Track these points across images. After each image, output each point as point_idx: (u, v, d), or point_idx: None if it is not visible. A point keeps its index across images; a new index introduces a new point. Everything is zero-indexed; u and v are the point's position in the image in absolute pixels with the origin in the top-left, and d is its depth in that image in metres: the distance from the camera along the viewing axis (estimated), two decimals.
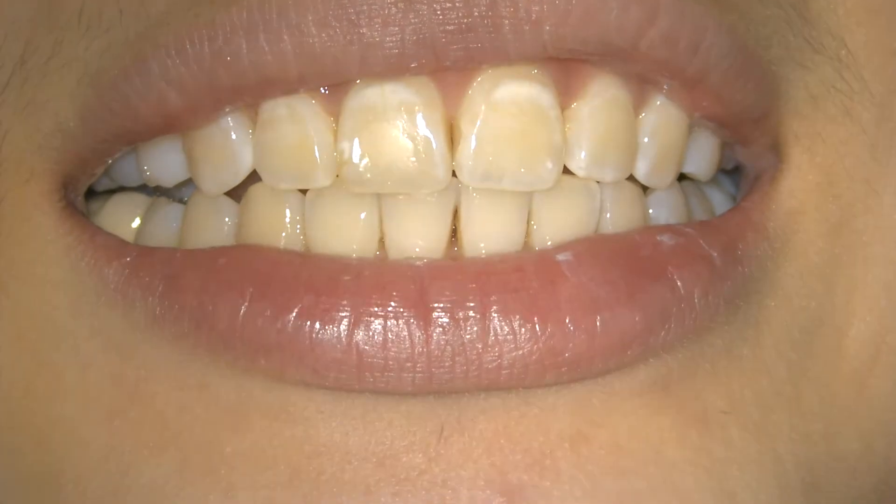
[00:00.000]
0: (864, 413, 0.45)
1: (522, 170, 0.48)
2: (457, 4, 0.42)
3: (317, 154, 0.48)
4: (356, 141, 0.48)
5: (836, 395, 0.44)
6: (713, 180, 0.56)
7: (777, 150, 0.45)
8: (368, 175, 0.48)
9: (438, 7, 0.42)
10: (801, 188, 0.45)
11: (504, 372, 0.41)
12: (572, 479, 0.41)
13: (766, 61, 0.44)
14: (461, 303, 0.41)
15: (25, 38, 0.44)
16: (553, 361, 0.41)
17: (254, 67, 0.43)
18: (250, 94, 0.45)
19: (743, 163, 0.49)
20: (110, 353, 0.43)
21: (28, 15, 0.44)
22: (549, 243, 0.46)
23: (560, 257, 0.44)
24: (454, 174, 0.48)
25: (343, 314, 0.41)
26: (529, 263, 0.43)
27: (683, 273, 0.43)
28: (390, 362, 0.41)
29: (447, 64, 0.43)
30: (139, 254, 0.44)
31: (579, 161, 0.49)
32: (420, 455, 0.41)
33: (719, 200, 0.57)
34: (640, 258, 0.43)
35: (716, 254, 0.44)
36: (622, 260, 0.43)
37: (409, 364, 0.41)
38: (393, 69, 0.44)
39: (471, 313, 0.41)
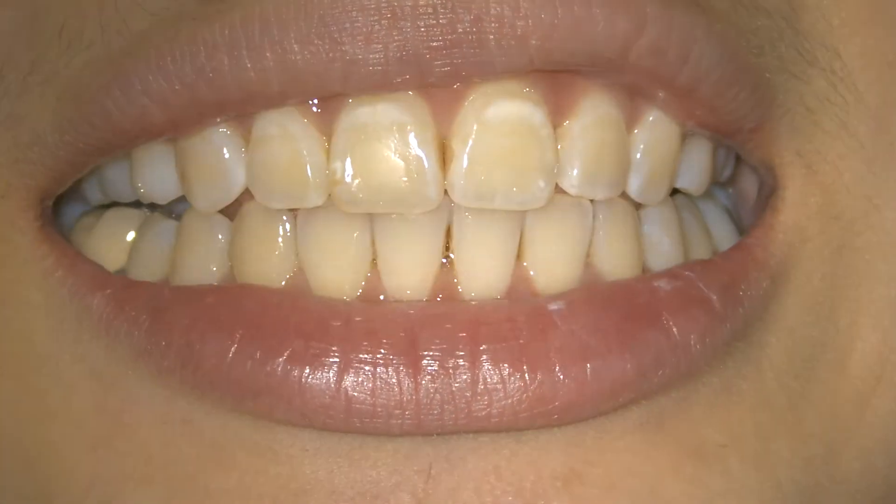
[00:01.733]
0: (865, 432, 0.44)
1: (514, 189, 0.48)
2: (440, 21, 0.41)
3: (309, 173, 0.48)
4: (348, 160, 0.48)
5: (838, 416, 0.44)
6: (707, 193, 0.56)
7: (776, 171, 0.45)
8: (361, 195, 0.48)
9: (423, 24, 0.41)
10: (803, 214, 0.44)
11: (494, 420, 0.41)
12: None
13: (760, 70, 0.44)
14: (451, 351, 0.41)
15: (4, 53, 0.44)
16: (543, 410, 0.41)
17: (236, 83, 0.43)
18: (233, 108, 0.45)
19: (741, 184, 0.48)
20: (93, 381, 0.43)
21: (8, 30, 0.44)
22: (542, 287, 0.46)
23: (552, 307, 0.43)
24: (446, 193, 0.48)
25: (333, 360, 0.41)
26: (521, 313, 0.43)
27: (679, 319, 0.42)
28: (378, 409, 0.41)
29: (432, 80, 0.43)
30: (124, 285, 0.44)
31: (571, 179, 0.49)
32: (408, 496, 0.41)
33: (713, 214, 0.57)
34: (636, 305, 0.43)
35: (715, 297, 0.43)
36: (616, 308, 0.43)
37: (397, 411, 0.41)
38: (377, 85, 0.43)
39: (460, 362, 0.41)
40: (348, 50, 0.42)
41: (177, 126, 0.45)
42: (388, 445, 0.41)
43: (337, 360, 0.41)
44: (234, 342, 0.42)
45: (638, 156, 0.50)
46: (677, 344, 0.42)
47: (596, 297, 0.43)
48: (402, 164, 0.48)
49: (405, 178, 0.48)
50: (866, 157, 0.45)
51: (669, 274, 0.44)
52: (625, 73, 0.44)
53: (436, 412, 0.41)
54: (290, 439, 0.42)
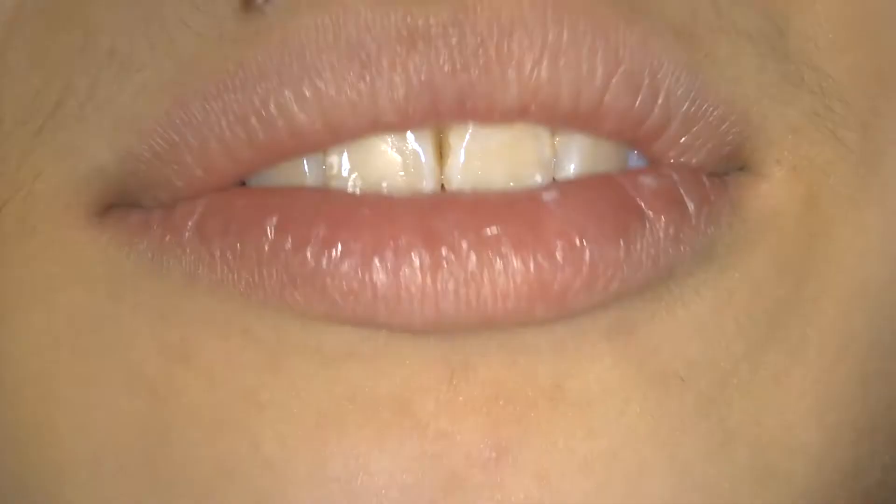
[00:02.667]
0: (827, 406, 0.45)
1: (511, 184, 0.48)
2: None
3: (305, 168, 0.48)
4: (345, 155, 0.48)
5: (795, 385, 0.44)
6: None
7: (754, 171, 0.45)
8: (357, 190, 0.48)
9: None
10: (784, 196, 0.45)
11: (499, 304, 0.42)
12: (550, 439, 0.43)
13: (736, 100, 0.44)
14: (463, 236, 0.43)
15: (63, 80, 0.44)
16: (543, 294, 0.42)
17: (281, 114, 0.43)
18: (282, 147, 0.45)
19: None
20: (153, 320, 0.44)
21: (65, 56, 0.44)
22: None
23: (547, 196, 0.45)
24: (443, 188, 0.48)
25: (359, 245, 0.43)
26: (520, 199, 0.44)
27: (661, 215, 0.44)
28: (402, 293, 0.42)
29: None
30: (163, 216, 0.45)
31: (568, 174, 0.49)
32: (432, 401, 0.43)
33: None
34: (624, 196, 0.44)
35: (692, 205, 0.44)
36: (608, 196, 0.44)
37: (418, 296, 0.42)
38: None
39: (471, 247, 0.43)
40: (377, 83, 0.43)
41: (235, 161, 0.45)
42: (417, 352, 0.43)
43: (363, 245, 0.42)
44: (268, 237, 0.43)
45: (635, 151, 0.50)
46: (658, 240, 0.43)
47: (588, 187, 0.45)
48: (398, 158, 0.48)
49: (402, 173, 0.48)
50: (855, 161, 0.46)
51: (654, 171, 0.45)
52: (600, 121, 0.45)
53: (451, 299, 0.42)
54: (334, 340, 0.43)
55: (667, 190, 0.44)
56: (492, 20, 0.42)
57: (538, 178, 0.48)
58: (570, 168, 0.48)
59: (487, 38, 0.42)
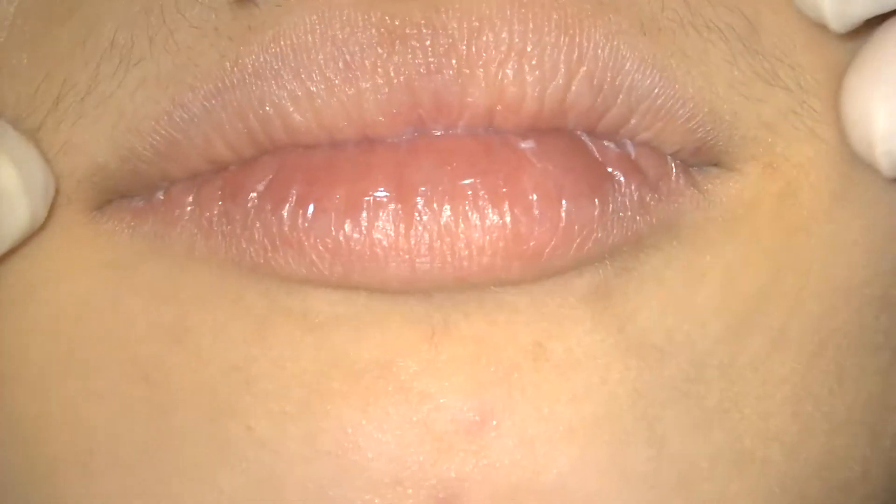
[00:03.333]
0: (804, 397, 0.45)
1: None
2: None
3: None
4: None
5: (773, 373, 0.44)
6: None
7: (730, 167, 0.45)
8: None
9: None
10: (758, 191, 0.45)
11: (475, 259, 0.42)
12: (534, 401, 0.43)
13: (705, 97, 0.43)
14: (435, 188, 0.42)
15: (64, 74, 0.44)
16: (518, 250, 0.42)
17: (277, 111, 0.43)
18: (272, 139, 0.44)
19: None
20: (148, 302, 0.44)
21: (66, 49, 0.44)
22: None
23: (524, 145, 0.44)
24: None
25: (333, 203, 0.42)
26: (496, 146, 0.43)
27: (628, 179, 0.43)
28: (377, 249, 0.42)
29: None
30: (165, 197, 0.44)
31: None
32: (413, 363, 0.43)
33: None
34: (592, 155, 0.44)
35: (653, 175, 0.44)
36: (581, 152, 0.44)
37: (392, 252, 0.42)
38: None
39: (447, 198, 0.42)
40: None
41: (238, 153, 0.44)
42: (397, 311, 0.43)
43: (337, 202, 0.42)
44: (252, 200, 0.43)
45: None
46: (626, 204, 0.43)
47: (563, 140, 0.44)
48: None
49: None
50: (836, 158, 0.45)
51: (615, 140, 0.44)
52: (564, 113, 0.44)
53: (425, 254, 0.42)
54: (318, 304, 0.43)
55: (629, 158, 0.44)
56: (462, 20, 0.42)
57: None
58: None
59: (458, 39, 0.42)
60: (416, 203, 0.42)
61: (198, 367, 0.43)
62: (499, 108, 0.43)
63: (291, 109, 0.43)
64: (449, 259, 0.42)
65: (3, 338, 0.46)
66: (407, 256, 0.42)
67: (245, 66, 0.43)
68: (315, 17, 0.42)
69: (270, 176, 0.44)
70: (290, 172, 0.44)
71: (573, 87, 0.43)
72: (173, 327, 0.44)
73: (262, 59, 0.43)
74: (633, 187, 0.44)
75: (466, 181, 0.43)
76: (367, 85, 0.43)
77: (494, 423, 0.42)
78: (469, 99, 0.43)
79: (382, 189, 0.43)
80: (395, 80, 0.43)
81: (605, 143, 0.44)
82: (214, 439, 0.43)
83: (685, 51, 0.43)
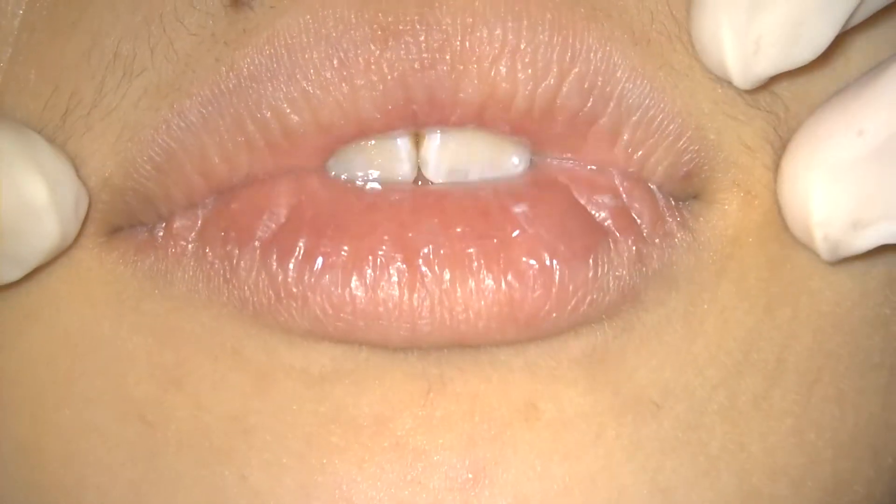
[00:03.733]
0: (806, 426, 0.45)
1: (488, 165, 0.48)
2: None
3: None
4: None
5: (775, 407, 0.44)
6: None
7: (709, 197, 0.45)
8: (333, 172, 0.47)
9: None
10: (739, 224, 0.44)
11: (472, 323, 0.43)
12: (526, 459, 0.43)
13: (692, 113, 0.43)
14: (438, 249, 0.43)
15: (71, 87, 0.44)
16: (513, 315, 0.43)
17: (274, 114, 0.43)
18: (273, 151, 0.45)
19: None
20: (149, 342, 0.44)
21: (72, 63, 0.44)
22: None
23: (517, 209, 0.44)
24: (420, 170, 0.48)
25: (340, 259, 0.43)
26: (494, 210, 0.44)
27: (624, 234, 0.44)
28: (380, 309, 0.42)
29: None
30: (167, 230, 0.45)
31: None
32: (410, 418, 0.43)
33: None
34: (587, 214, 0.44)
35: (646, 224, 0.44)
36: (574, 213, 0.44)
37: (395, 312, 0.43)
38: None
39: (447, 263, 0.43)
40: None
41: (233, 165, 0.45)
42: (395, 367, 0.43)
43: (344, 259, 0.43)
44: (257, 249, 0.43)
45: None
46: (623, 261, 0.44)
47: (557, 200, 0.44)
48: (373, 140, 0.47)
49: (379, 158, 0.47)
50: None
51: (608, 188, 0.45)
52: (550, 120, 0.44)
53: (426, 317, 0.43)
54: (320, 358, 0.44)
55: (624, 209, 0.44)
56: (456, 16, 0.42)
57: (515, 160, 0.47)
58: None
59: (452, 34, 0.42)
60: (420, 265, 0.43)
61: (196, 412, 0.43)
62: (491, 105, 0.43)
63: (288, 111, 0.43)
64: (448, 322, 0.43)
65: (2, 359, 0.46)
66: (409, 317, 0.43)
67: (241, 69, 0.43)
68: (309, 16, 0.42)
69: (275, 225, 0.44)
70: (297, 224, 0.44)
71: (564, 88, 0.43)
72: (173, 371, 0.43)
73: (257, 62, 0.42)
74: (629, 241, 0.44)
75: (464, 244, 0.43)
76: (362, 82, 0.42)
77: (487, 481, 0.42)
78: (461, 95, 0.43)
79: (386, 248, 0.43)
80: (390, 77, 0.42)
81: (600, 197, 0.44)
82: (207, 485, 0.43)
83: (672, 64, 0.43)
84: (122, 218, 0.45)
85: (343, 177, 0.47)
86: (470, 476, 0.42)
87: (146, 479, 0.44)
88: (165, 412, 0.44)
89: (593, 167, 0.45)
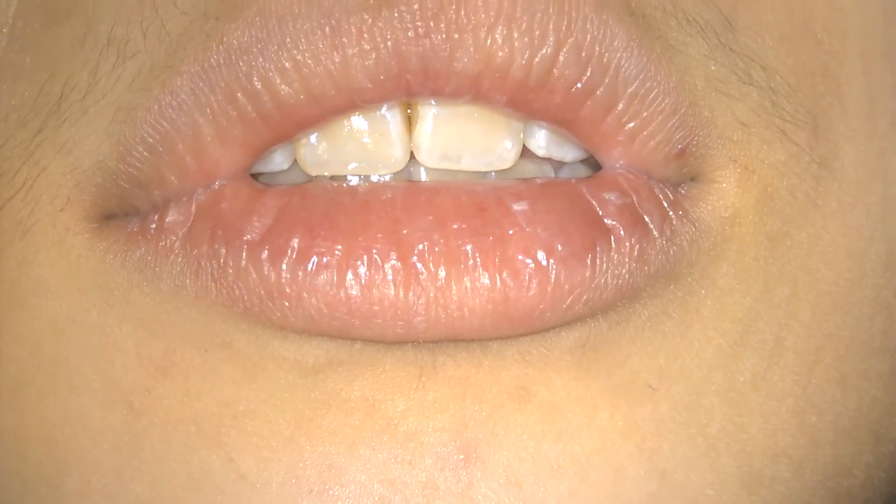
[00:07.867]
0: (807, 408, 0.44)
1: (481, 150, 0.47)
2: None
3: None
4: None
5: (774, 388, 0.44)
6: None
7: (707, 175, 0.45)
8: (326, 156, 0.47)
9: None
10: (738, 201, 0.44)
11: (466, 321, 0.42)
12: (518, 440, 0.42)
13: (686, 89, 0.43)
14: (433, 247, 0.43)
15: (66, 73, 0.44)
16: (508, 312, 0.42)
17: (266, 88, 0.43)
18: (275, 123, 0.44)
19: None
20: (137, 332, 0.44)
21: (67, 48, 0.44)
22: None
23: (516, 207, 0.44)
24: (412, 156, 0.48)
25: (334, 259, 0.42)
26: (491, 206, 0.43)
27: (627, 234, 0.43)
28: (375, 307, 0.42)
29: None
30: (159, 222, 0.44)
31: (538, 140, 0.48)
32: (402, 401, 0.43)
33: None
34: (589, 212, 0.44)
35: (654, 224, 0.44)
36: (576, 210, 0.44)
37: (390, 311, 0.42)
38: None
39: (442, 260, 0.42)
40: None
41: (227, 141, 0.44)
42: (389, 356, 0.43)
43: (338, 259, 0.42)
44: (246, 248, 0.43)
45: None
46: (624, 260, 0.43)
47: (560, 197, 0.44)
48: (366, 125, 0.47)
49: (369, 140, 0.47)
50: (808, 161, 0.45)
51: (617, 188, 0.44)
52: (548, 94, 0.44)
53: (421, 314, 0.42)
54: (314, 351, 0.43)
55: (629, 207, 0.44)
56: None
57: (508, 145, 0.47)
58: (541, 133, 0.48)
59: (447, 2, 0.42)
60: (414, 263, 0.42)
61: (185, 399, 0.43)
62: (486, 76, 0.43)
63: (279, 81, 0.42)
64: (443, 319, 0.42)
65: None
66: (405, 315, 0.42)
67: (231, 43, 0.42)
68: None
69: (268, 223, 0.43)
70: (289, 223, 0.43)
71: (561, 58, 0.42)
72: (161, 360, 0.43)
73: (247, 35, 0.42)
74: (633, 240, 0.43)
75: (460, 241, 0.43)
76: (354, 51, 0.42)
77: (479, 462, 0.42)
78: (457, 64, 0.42)
79: (380, 245, 0.42)
80: (383, 46, 0.42)
81: (606, 195, 0.44)
82: (192, 469, 0.43)
83: (667, 39, 0.43)
84: (116, 203, 0.45)
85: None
86: (461, 457, 0.42)
87: (129, 466, 0.43)
88: (153, 399, 0.43)
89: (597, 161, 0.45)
